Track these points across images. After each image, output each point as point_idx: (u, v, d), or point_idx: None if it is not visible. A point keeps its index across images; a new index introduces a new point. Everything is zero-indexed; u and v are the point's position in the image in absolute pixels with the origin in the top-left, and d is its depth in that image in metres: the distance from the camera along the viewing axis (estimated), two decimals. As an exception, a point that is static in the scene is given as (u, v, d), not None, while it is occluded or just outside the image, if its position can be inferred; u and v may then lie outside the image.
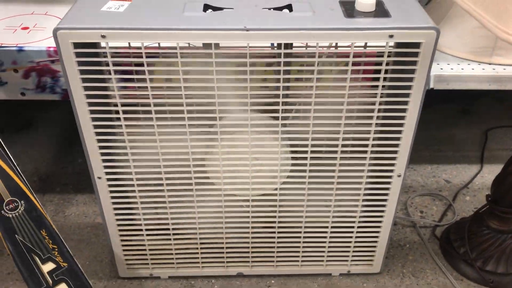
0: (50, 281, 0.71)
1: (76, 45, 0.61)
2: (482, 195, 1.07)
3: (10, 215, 0.70)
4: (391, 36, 0.61)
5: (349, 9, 0.64)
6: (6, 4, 1.01)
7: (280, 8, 0.66)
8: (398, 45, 0.65)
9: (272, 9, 0.65)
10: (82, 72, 0.64)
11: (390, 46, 0.64)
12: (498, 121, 1.31)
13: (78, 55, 0.62)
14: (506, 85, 0.94)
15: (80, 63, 0.63)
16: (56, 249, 0.72)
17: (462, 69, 0.94)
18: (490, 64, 0.95)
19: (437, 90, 0.94)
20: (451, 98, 1.39)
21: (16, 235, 0.70)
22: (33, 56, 0.83)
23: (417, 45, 0.62)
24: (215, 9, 0.65)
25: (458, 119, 1.33)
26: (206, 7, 0.65)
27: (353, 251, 0.86)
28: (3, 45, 0.84)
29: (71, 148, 1.20)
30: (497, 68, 0.94)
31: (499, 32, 0.52)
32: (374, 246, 0.85)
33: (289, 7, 0.65)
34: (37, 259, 0.71)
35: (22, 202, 0.71)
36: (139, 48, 0.63)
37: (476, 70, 0.94)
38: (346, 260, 0.87)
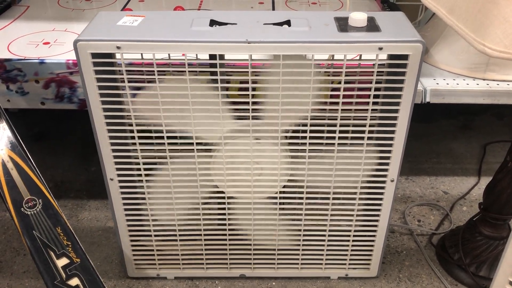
0: (64, 275, 0.76)
1: (94, 55, 0.68)
2: (479, 206, 1.10)
3: (29, 213, 0.76)
4: (380, 49, 0.66)
5: (343, 24, 0.70)
6: (29, 21, 1.09)
7: (280, 24, 0.72)
8: (390, 58, 0.70)
9: (272, 25, 0.71)
10: (99, 80, 0.70)
11: (381, 59, 0.69)
12: (496, 136, 1.35)
13: (95, 65, 0.69)
14: (499, 100, 0.98)
15: (97, 72, 0.69)
16: (70, 246, 0.77)
17: (457, 84, 0.98)
18: (484, 79, 0.99)
19: (439, 106, 0.98)
20: (452, 114, 1.44)
21: (33, 231, 0.76)
22: (53, 68, 0.90)
23: (405, 57, 0.67)
24: (220, 24, 0.71)
25: (458, 133, 1.37)
26: (212, 23, 0.71)
27: (351, 255, 0.90)
28: (26, 58, 0.91)
29: (85, 157, 1.26)
30: (491, 83, 0.98)
31: (476, 44, 0.57)
32: (371, 251, 0.89)
33: (288, 22, 0.71)
34: (52, 254, 0.76)
35: (40, 200, 0.76)
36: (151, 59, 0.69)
37: (471, 85, 0.98)
38: (344, 264, 0.91)
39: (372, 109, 0.72)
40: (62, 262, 0.76)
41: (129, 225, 0.86)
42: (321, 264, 0.91)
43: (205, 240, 0.88)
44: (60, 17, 1.12)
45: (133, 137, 0.76)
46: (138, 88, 0.74)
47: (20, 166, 0.76)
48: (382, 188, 0.80)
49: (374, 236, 0.87)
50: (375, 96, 0.72)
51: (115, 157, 0.77)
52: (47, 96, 0.93)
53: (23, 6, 1.17)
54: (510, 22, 0.54)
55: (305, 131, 0.75)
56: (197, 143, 0.76)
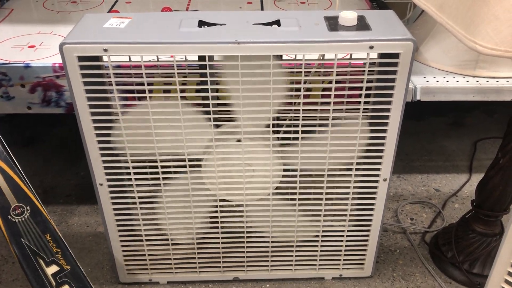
0: (54, 283, 0.75)
1: (81, 58, 0.66)
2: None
3: (17, 220, 0.74)
4: (371, 48, 0.66)
5: (333, 24, 0.69)
6: (14, 24, 1.07)
7: (269, 24, 0.71)
8: (381, 57, 0.69)
9: (262, 25, 0.70)
10: (86, 83, 0.69)
11: (372, 58, 0.69)
12: (487, 133, 1.35)
13: (82, 68, 0.67)
14: (489, 96, 0.98)
15: (84, 76, 0.68)
16: (60, 253, 0.76)
17: (447, 81, 0.98)
18: (474, 76, 0.99)
19: (430, 104, 0.98)
20: (443, 111, 1.44)
21: (22, 239, 0.74)
22: (39, 71, 0.88)
23: (396, 55, 0.67)
24: (209, 25, 0.70)
25: (449, 131, 1.37)
26: (201, 23, 0.70)
27: (345, 256, 0.89)
28: (11, 62, 0.89)
29: (74, 162, 1.24)
30: (481, 80, 0.98)
31: (467, 41, 0.57)
32: (365, 250, 0.89)
33: (278, 22, 0.71)
34: (41, 262, 0.75)
35: (28, 207, 0.75)
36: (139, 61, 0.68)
37: (461, 83, 0.98)
38: (338, 264, 0.90)
39: (363, 109, 0.72)
40: (51, 269, 0.75)
41: (119, 230, 0.84)
42: (315, 265, 0.90)
43: (197, 243, 0.87)
44: (46, 19, 1.10)
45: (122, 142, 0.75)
46: (126, 91, 0.73)
47: (6, 172, 0.74)
48: (375, 187, 0.79)
49: (367, 235, 0.86)
50: (367, 95, 0.71)
51: (104, 161, 0.76)
52: (33, 101, 0.91)
53: (7, 9, 1.15)
54: (500, 19, 0.54)
55: (296, 132, 0.74)
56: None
